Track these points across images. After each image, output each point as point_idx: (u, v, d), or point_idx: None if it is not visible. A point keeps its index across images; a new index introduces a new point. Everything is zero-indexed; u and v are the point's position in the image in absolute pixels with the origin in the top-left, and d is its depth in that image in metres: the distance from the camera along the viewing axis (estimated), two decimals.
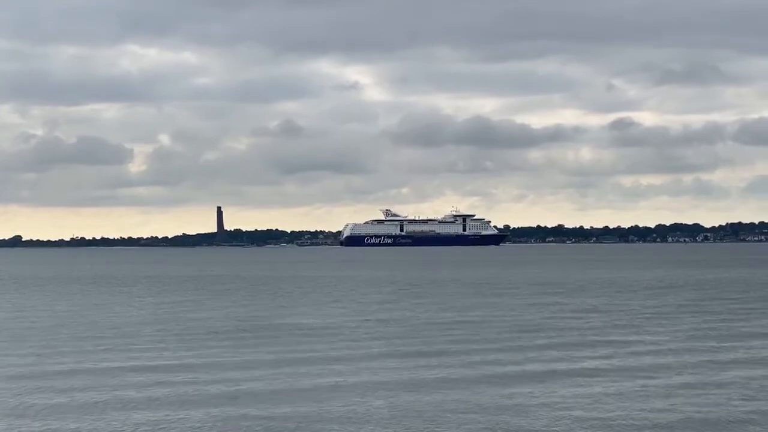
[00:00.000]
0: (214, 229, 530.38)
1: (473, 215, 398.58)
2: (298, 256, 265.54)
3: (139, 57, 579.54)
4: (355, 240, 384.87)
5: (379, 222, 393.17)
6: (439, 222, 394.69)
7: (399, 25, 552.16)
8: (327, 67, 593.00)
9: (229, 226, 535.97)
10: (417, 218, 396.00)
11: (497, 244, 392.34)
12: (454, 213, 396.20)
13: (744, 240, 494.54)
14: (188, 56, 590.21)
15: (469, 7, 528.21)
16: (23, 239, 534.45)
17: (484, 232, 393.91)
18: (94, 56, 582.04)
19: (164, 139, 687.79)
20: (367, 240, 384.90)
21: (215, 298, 75.19)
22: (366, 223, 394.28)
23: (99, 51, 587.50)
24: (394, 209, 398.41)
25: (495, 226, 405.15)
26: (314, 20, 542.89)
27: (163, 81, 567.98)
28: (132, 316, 57.45)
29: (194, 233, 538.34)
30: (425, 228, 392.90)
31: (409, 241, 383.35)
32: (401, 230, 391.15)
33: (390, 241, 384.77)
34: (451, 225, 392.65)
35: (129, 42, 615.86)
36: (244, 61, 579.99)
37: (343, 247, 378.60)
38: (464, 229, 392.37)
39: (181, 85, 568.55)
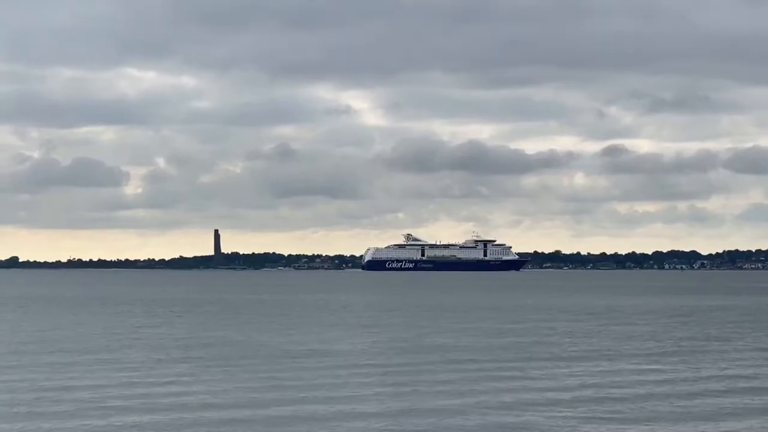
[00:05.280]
0: (211, 251, 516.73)
1: (494, 240, 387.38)
2: (331, 280, 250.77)
3: (137, 80, 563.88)
4: (376, 264, 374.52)
5: (401, 246, 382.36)
6: (460, 247, 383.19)
7: (394, 51, 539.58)
8: (322, 92, 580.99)
9: (226, 249, 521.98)
10: (438, 243, 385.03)
11: (518, 269, 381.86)
12: (475, 238, 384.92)
13: (741, 267, 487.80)
14: (186, 80, 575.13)
15: (464, 34, 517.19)
16: (20, 260, 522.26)
17: (505, 258, 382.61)
18: (92, 78, 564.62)
19: (160, 161, 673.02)
20: (389, 264, 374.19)
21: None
22: (387, 247, 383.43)
23: (96, 73, 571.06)
24: (416, 234, 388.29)
25: (516, 252, 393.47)
26: (310, 45, 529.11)
27: (161, 104, 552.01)
28: None
29: (191, 256, 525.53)
30: (446, 253, 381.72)
31: (431, 266, 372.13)
32: (422, 255, 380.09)
33: (411, 265, 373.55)
34: (473, 250, 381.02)
35: (126, 65, 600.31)
36: (240, 85, 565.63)
37: (365, 271, 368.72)
38: (485, 255, 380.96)
39: (178, 109, 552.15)
